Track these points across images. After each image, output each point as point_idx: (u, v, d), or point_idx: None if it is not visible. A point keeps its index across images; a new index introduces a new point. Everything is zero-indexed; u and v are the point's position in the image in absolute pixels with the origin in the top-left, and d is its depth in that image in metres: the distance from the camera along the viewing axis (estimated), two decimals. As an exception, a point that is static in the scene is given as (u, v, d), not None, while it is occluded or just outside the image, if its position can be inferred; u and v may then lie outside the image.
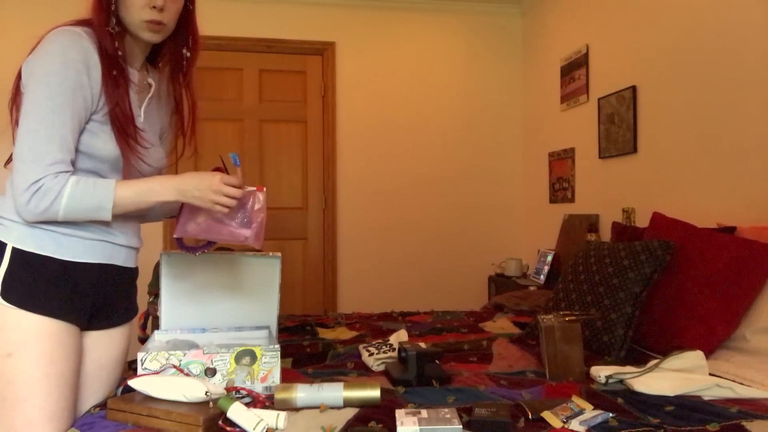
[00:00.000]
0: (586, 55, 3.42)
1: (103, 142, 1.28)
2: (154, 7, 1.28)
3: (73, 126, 1.22)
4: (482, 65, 4.29)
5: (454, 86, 4.25)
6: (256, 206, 1.37)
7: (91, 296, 1.34)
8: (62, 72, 1.20)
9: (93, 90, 1.25)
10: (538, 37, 4.09)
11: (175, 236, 1.43)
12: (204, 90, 3.95)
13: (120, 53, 1.29)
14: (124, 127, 1.29)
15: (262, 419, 1.17)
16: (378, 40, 4.14)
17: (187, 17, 1.40)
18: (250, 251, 2.22)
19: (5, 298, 1.23)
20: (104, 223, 1.33)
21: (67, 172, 1.22)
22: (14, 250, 1.25)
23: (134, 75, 1.38)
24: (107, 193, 1.23)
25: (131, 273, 1.47)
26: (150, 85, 1.43)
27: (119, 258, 1.39)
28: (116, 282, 1.41)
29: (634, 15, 2.98)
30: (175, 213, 1.58)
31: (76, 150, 1.26)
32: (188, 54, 1.43)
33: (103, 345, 1.42)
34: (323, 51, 4.07)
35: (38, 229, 1.26)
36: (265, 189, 1.38)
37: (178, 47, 1.42)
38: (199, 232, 1.36)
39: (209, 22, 3.91)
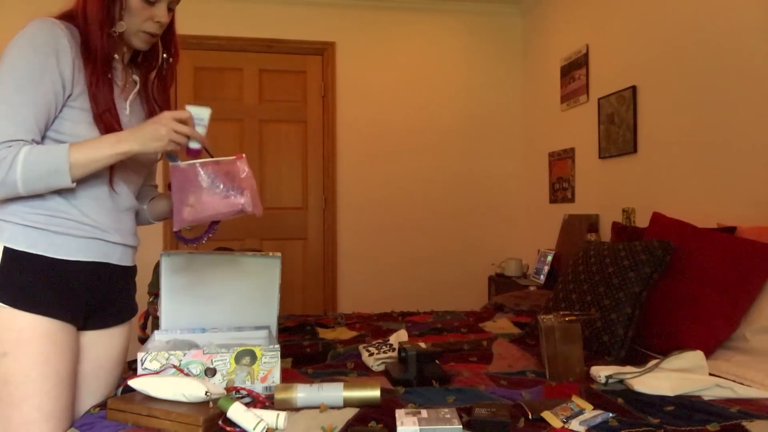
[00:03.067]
0: (586, 55, 3.42)
1: (84, 130, 1.28)
2: (157, 21, 1.31)
3: (37, 106, 1.21)
4: (482, 65, 4.29)
5: (454, 86, 4.25)
6: (242, 174, 1.35)
7: (86, 295, 1.34)
8: (29, 55, 1.21)
9: (63, 74, 1.24)
10: (538, 37, 4.09)
11: (174, 230, 1.41)
12: (204, 90, 3.96)
13: (116, 55, 1.31)
14: (104, 114, 1.29)
15: (262, 419, 1.17)
16: (378, 40, 4.14)
17: (168, 25, 1.42)
18: (250, 251, 2.22)
19: None
20: (96, 221, 1.33)
21: (21, 141, 1.19)
22: (6, 250, 1.24)
23: (119, 71, 1.39)
24: (61, 155, 1.20)
25: (128, 271, 1.46)
26: (135, 82, 1.44)
27: (113, 256, 1.38)
28: (112, 281, 1.40)
29: (634, 15, 2.98)
30: (165, 216, 1.58)
31: (58, 140, 1.26)
32: (168, 59, 1.46)
33: (102, 345, 1.42)
34: (323, 51, 4.07)
35: (30, 228, 1.26)
36: (244, 156, 1.37)
37: (156, 52, 1.45)
38: (195, 214, 1.34)
39: (209, 22, 3.92)
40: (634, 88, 2.94)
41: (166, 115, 1.27)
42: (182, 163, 1.33)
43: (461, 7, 4.22)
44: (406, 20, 4.18)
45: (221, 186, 1.33)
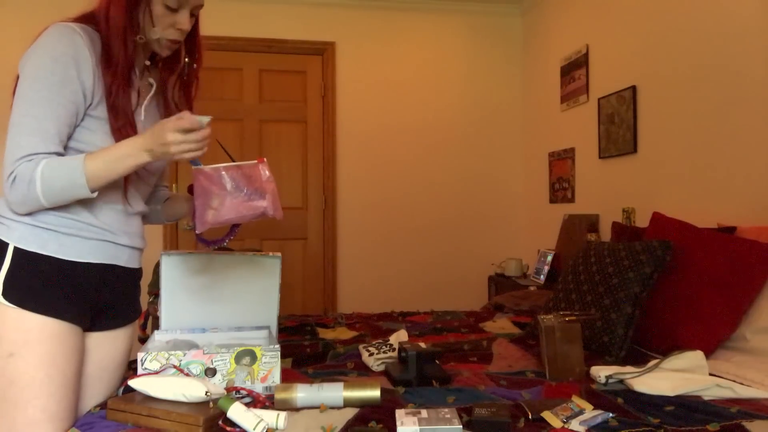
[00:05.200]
0: (586, 55, 3.42)
1: (101, 139, 1.27)
2: (179, 29, 1.29)
3: (58, 119, 1.20)
4: (482, 65, 4.29)
5: (454, 86, 4.25)
6: (264, 178, 1.35)
7: (94, 297, 1.34)
8: (50, 66, 1.20)
9: (84, 84, 1.23)
10: (538, 37, 4.09)
11: (196, 232, 1.38)
12: (204, 90, 3.94)
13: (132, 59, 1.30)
14: (123, 128, 1.28)
15: (262, 419, 1.17)
16: (378, 40, 4.14)
17: (192, 28, 1.40)
18: (250, 251, 2.22)
19: (7, 298, 1.22)
20: (106, 223, 1.33)
21: (42, 154, 1.19)
22: (16, 250, 1.24)
23: (136, 76, 1.37)
24: (77, 168, 1.18)
25: (134, 274, 1.47)
26: (151, 85, 1.43)
27: (121, 258, 1.39)
28: (119, 283, 1.40)
29: (634, 15, 2.98)
30: (178, 216, 1.58)
31: (75, 148, 1.26)
32: (190, 62, 1.44)
33: (106, 346, 1.42)
34: (323, 51, 4.07)
35: (40, 228, 1.26)
36: (265, 159, 1.37)
37: (178, 55, 1.43)
38: (218, 217, 1.33)
39: (209, 22, 3.91)
40: (634, 88, 2.94)
41: (169, 127, 1.18)
42: (206, 167, 1.33)
43: (461, 7, 4.22)
44: (406, 20, 4.18)
45: (244, 190, 1.33)
